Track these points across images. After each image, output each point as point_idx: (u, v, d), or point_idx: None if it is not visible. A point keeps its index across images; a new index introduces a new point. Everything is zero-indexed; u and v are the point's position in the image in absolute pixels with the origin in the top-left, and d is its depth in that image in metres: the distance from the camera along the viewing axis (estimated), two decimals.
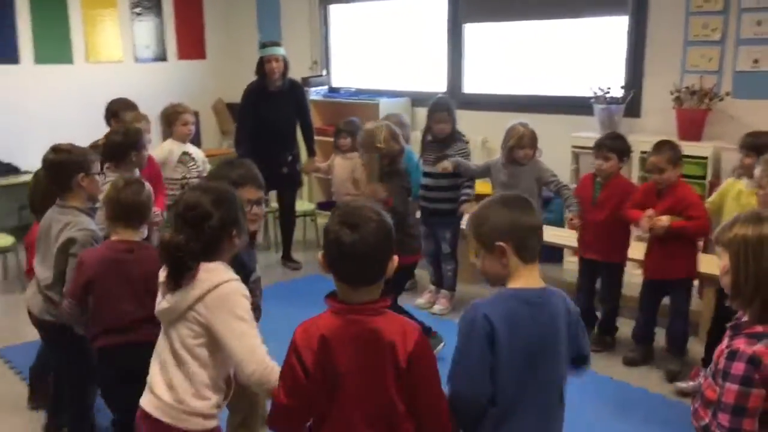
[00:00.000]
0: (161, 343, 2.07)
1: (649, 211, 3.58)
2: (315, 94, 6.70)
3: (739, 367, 1.65)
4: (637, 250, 4.03)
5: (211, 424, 2.06)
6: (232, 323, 1.93)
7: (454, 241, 4.59)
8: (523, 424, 1.77)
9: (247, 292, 2.00)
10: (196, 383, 1.99)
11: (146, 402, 2.05)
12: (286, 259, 5.63)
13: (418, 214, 4.64)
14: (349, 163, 4.94)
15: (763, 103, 4.48)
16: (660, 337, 3.89)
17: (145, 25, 7.27)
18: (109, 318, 2.57)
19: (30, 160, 5.46)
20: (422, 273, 4.97)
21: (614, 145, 3.86)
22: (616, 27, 5.19)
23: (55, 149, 2.93)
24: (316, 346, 1.73)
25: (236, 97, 5.61)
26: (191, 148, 4.70)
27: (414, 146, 5.02)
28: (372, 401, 1.72)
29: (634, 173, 4.75)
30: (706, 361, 3.40)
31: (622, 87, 5.05)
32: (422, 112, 4.87)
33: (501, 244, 1.77)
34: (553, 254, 5.10)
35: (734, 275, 1.73)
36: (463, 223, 4.40)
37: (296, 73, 5.86)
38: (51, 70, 6.61)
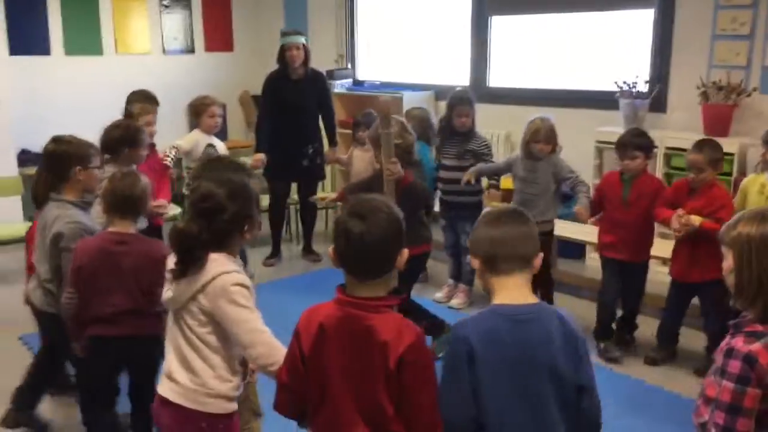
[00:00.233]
0: (173, 331, 2.08)
1: (680, 211, 3.54)
2: (339, 86, 6.72)
3: (735, 365, 1.63)
4: (660, 247, 3.98)
5: (233, 406, 2.07)
6: (232, 311, 1.95)
7: None
8: None
9: (248, 282, 2.01)
10: (215, 366, 2.02)
11: (166, 389, 2.06)
12: (307, 251, 5.66)
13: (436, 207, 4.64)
14: (367, 156, 4.94)
15: None
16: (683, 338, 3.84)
17: (174, 18, 7.35)
18: (97, 307, 2.61)
19: None
20: (443, 267, 4.98)
21: (640, 143, 3.78)
22: (642, 20, 5.12)
23: (56, 140, 2.95)
24: (315, 333, 1.74)
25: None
26: (216, 141, 4.76)
27: None
28: (360, 399, 1.71)
29: (658, 169, 4.69)
30: None
31: (647, 81, 4.99)
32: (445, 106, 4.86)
33: (473, 258, 1.79)
34: (575, 250, 5.06)
35: (738, 274, 1.70)
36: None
37: (322, 66, 5.89)
38: (81, 61, 6.72)
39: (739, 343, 1.66)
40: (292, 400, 1.84)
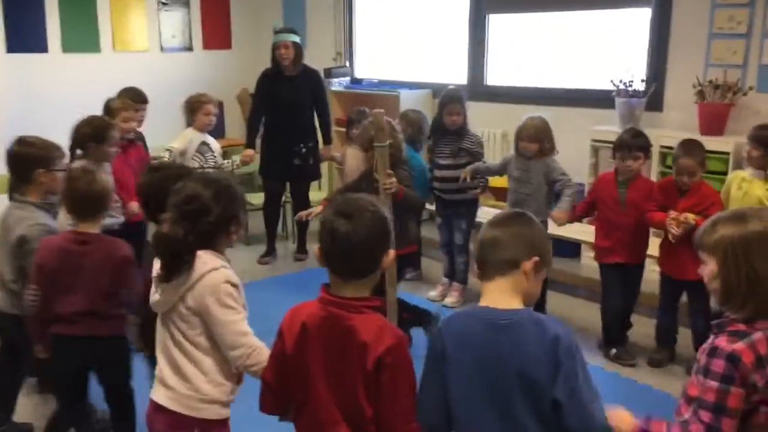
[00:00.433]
0: (162, 335, 2.05)
1: (672, 213, 3.54)
2: (337, 84, 6.71)
3: (719, 365, 1.62)
4: (655, 247, 3.97)
5: (227, 412, 2.05)
6: (218, 312, 1.94)
7: (468, 232, 4.58)
8: None
9: (235, 279, 2.00)
10: (207, 371, 1.99)
11: (159, 395, 2.04)
12: (301, 251, 5.61)
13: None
14: (361, 154, 4.92)
15: None
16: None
17: (172, 15, 7.32)
18: (59, 306, 2.58)
19: None
20: (437, 265, 4.96)
21: (641, 143, 3.78)
22: (639, 19, 5.10)
23: (20, 141, 2.92)
24: (297, 332, 1.73)
25: None
26: (209, 139, 4.76)
27: None
28: (341, 399, 1.70)
29: (654, 168, 4.67)
30: None
31: (643, 80, 4.97)
32: None
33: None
34: (570, 249, 5.04)
35: (724, 279, 1.67)
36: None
37: (320, 64, 5.88)
38: (78, 59, 6.70)
39: (722, 342, 1.64)
40: (276, 400, 1.83)
